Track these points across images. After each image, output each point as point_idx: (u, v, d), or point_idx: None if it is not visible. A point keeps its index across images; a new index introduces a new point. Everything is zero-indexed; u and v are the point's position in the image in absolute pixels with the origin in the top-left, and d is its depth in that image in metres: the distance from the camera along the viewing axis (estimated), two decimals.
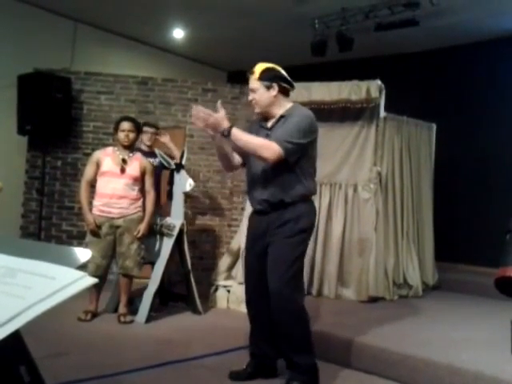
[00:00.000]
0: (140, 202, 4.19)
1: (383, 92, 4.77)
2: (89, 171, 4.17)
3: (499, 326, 3.46)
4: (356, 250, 4.82)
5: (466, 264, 5.81)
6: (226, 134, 2.67)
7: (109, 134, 5.94)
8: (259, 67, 2.81)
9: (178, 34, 7.03)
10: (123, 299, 4.19)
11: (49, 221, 5.84)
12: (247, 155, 2.85)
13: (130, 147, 4.21)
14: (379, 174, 4.89)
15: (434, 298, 5.01)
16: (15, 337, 0.99)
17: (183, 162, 4.55)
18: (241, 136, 2.69)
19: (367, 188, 4.85)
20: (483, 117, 6.18)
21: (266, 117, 2.88)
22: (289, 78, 2.84)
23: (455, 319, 4.09)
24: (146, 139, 4.72)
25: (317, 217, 3.14)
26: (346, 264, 4.83)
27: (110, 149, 4.27)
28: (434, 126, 5.73)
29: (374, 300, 4.67)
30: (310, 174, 2.86)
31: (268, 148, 2.65)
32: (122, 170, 4.08)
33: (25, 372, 1.07)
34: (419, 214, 5.45)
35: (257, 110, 2.85)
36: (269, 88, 2.78)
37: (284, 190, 2.77)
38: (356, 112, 4.95)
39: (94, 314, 4.15)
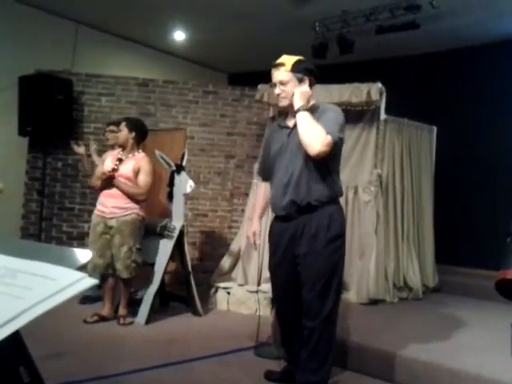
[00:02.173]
0: (136, 204, 4.13)
1: (384, 95, 4.77)
2: (97, 169, 4.30)
3: (499, 329, 3.46)
4: (356, 253, 4.82)
5: (467, 267, 5.80)
6: (296, 111, 2.59)
7: None
8: (289, 59, 2.67)
9: (179, 36, 7.04)
10: (122, 301, 4.18)
11: (49, 222, 5.84)
12: (273, 164, 2.77)
13: (124, 146, 4.20)
14: (380, 176, 4.89)
15: (434, 300, 5.00)
16: (15, 337, 1.00)
17: (184, 164, 4.55)
18: (303, 119, 2.56)
19: (368, 190, 4.85)
20: (484, 120, 6.18)
21: (287, 113, 2.77)
22: (316, 72, 2.73)
23: (455, 322, 4.08)
24: (107, 138, 4.86)
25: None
26: (346, 266, 4.80)
27: (116, 150, 4.31)
28: (435, 129, 5.74)
29: (374, 302, 4.67)
30: (338, 173, 2.76)
31: (320, 136, 2.48)
32: (115, 170, 4.08)
33: (24, 372, 1.07)
34: (420, 217, 5.44)
35: (283, 103, 2.69)
36: (301, 81, 2.65)
37: (311, 190, 2.60)
38: (357, 114, 4.96)
39: (103, 318, 4.11)
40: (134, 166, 4.14)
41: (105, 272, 4.12)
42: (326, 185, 2.62)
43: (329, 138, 2.48)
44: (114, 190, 4.08)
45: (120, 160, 4.12)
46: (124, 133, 4.19)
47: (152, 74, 6.79)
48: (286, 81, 2.65)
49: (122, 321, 4.07)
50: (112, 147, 4.58)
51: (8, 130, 5.59)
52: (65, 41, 6.37)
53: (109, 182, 4.06)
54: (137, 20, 6.48)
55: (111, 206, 4.07)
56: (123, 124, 4.22)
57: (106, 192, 4.11)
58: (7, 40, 5.81)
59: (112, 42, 6.98)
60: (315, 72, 2.72)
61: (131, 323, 4.09)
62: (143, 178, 4.15)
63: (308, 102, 2.65)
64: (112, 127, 4.74)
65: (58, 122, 5.55)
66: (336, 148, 2.57)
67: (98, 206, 4.14)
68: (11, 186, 5.69)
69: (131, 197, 4.11)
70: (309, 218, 2.62)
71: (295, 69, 2.65)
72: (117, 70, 6.55)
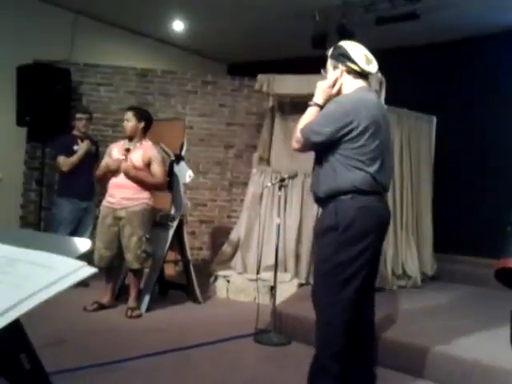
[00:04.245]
0: (145, 194, 4.10)
1: (384, 85, 4.76)
2: (102, 162, 4.24)
3: (498, 316, 3.48)
4: None
5: (465, 255, 5.83)
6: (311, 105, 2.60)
7: (108, 126, 5.95)
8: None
9: (178, 25, 6.99)
10: (132, 293, 4.10)
11: (48, 211, 5.84)
12: None
13: (133, 137, 4.16)
14: None
15: (433, 288, 5.03)
16: (15, 325, 1.00)
17: (183, 154, 4.55)
18: (306, 114, 2.57)
19: None
20: (483, 110, 6.17)
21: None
22: (356, 58, 2.50)
23: (454, 309, 4.11)
24: (80, 126, 4.90)
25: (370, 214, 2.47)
26: None
27: (122, 141, 4.28)
28: (434, 119, 5.73)
29: None
30: (353, 165, 2.42)
31: (295, 134, 2.53)
32: (124, 160, 4.05)
33: (25, 360, 1.08)
34: (418, 206, 5.46)
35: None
36: (335, 68, 2.56)
37: (319, 183, 2.54)
38: None
39: (103, 306, 4.13)
40: (142, 155, 4.10)
41: (111, 264, 4.12)
42: (332, 178, 2.45)
43: (297, 136, 2.50)
44: (122, 181, 4.04)
45: (128, 150, 4.08)
46: (132, 123, 4.14)
47: (151, 63, 6.76)
48: (327, 67, 2.62)
49: (130, 313, 3.99)
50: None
51: (7, 120, 5.58)
52: (63, 30, 6.34)
53: (118, 172, 4.04)
54: (135, 10, 6.43)
55: (120, 197, 4.03)
56: (130, 114, 4.16)
57: (114, 183, 4.07)
58: (5, 30, 5.78)
59: (110, 32, 6.94)
60: (351, 58, 2.51)
61: (140, 316, 4.03)
62: (157, 168, 4.12)
63: (327, 96, 2.56)
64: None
65: (56, 111, 5.53)
66: (311, 146, 2.50)
67: (107, 198, 4.10)
68: (10, 175, 5.70)
69: (150, 187, 4.10)
70: (322, 212, 2.58)
71: (332, 55, 2.59)
72: (115, 59, 6.52)
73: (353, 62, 2.51)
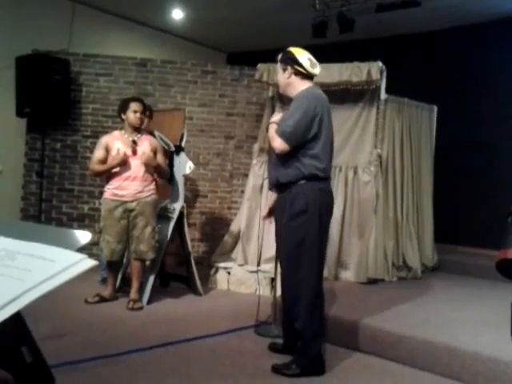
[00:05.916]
0: (153, 185, 4.14)
1: (384, 74, 4.74)
2: (97, 155, 4.06)
3: (499, 308, 3.47)
4: (356, 233, 4.83)
5: (465, 246, 5.83)
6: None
7: (108, 117, 5.91)
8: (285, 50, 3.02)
9: (177, 14, 6.94)
10: (135, 284, 4.09)
11: (49, 203, 5.84)
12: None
13: (140, 129, 4.17)
14: (380, 156, 4.88)
15: (433, 279, 5.03)
16: (16, 318, 1.00)
17: (183, 145, 4.54)
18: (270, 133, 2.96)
19: (367, 170, 4.84)
20: (484, 99, 6.14)
21: (288, 99, 3.12)
22: (302, 61, 2.92)
23: (454, 300, 4.11)
24: None
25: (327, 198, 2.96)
26: (345, 246, 4.85)
27: (116, 132, 4.22)
28: (435, 108, 5.71)
29: (373, 282, 4.69)
30: (312, 154, 2.84)
31: (273, 139, 2.87)
32: (134, 152, 4.04)
33: (26, 352, 1.08)
34: (419, 197, 5.45)
35: (280, 90, 3.11)
36: (284, 70, 2.96)
37: (280, 170, 2.91)
38: (357, 94, 4.92)
39: (104, 299, 4.12)
40: (149, 145, 4.13)
41: (121, 258, 4.14)
42: (293, 166, 2.85)
43: (274, 138, 2.86)
44: (133, 173, 4.02)
45: (134, 142, 4.08)
46: (144, 115, 4.19)
47: (150, 53, 6.71)
48: (277, 70, 3.04)
49: (132, 305, 3.98)
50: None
51: (6, 111, 5.56)
52: (62, 20, 6.28)
53: (124, 164, 4.01)
54: None
55: (132, 188, 4.03)
56: (142, 106, 4.15)
57: (125, 176, 4.02)
58: (4, 20, 5.73)
59: (109, 22, 6.88)
60: (298, 61, 2.92)
61: (141, 308, 4.02)
62: (162, 157, 4.19)
63: (289, 90, 2.99)
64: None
65: (56, 102, 5.51)
66: (290, 139, 2.80)
67: (115, 191, 4.04)
68: (10, 167, 5.69)
69: (166, 174, 4.23)
70: (283, 195, 2.95)
71: (280, 59, 3.00)
72: (114, 49, 6.47)
73: (299, 64, 2.92)
